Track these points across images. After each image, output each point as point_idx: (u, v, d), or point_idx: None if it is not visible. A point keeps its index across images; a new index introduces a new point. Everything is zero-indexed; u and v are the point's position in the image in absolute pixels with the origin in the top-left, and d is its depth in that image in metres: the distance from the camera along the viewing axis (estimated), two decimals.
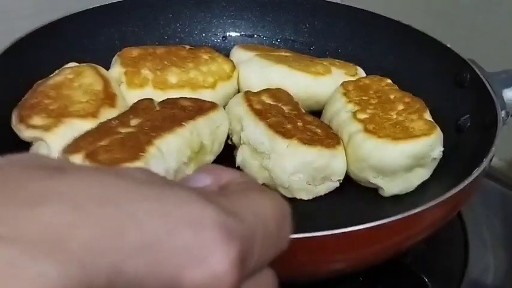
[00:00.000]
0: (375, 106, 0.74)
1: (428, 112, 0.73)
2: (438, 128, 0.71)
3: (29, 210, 0.24)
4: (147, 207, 0.26)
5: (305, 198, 0.69)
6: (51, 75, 0.75)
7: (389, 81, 0.79)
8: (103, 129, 0.65)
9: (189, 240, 0.26)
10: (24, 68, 0.76)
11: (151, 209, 0.26)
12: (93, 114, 0.69)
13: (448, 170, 0.71)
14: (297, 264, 0.55)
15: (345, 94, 0.76)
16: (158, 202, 0.26)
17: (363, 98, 0.75)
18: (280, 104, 0.74)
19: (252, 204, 0.30)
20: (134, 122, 0.67)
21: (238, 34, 0.95)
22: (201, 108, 0.71)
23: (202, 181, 0.32)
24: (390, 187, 0.70)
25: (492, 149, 0.64)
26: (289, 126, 0.70)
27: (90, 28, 0.86)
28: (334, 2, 0.94)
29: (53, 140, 0.65)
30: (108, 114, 0.69)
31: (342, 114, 0.74)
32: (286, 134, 0.68)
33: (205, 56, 0.82)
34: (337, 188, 0.71)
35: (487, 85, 0.73)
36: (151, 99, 0.72)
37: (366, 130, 0.70)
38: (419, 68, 0.84)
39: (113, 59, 0.80)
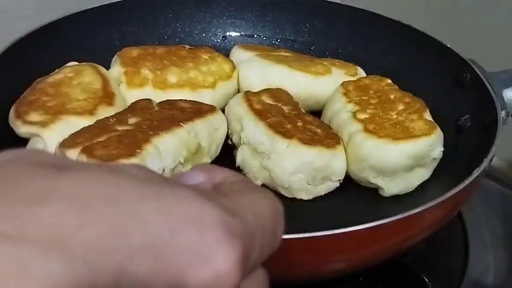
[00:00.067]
0: (375, 106, 0.74)
1: (428, 112, 0.73)
2: (438, 128, 0.70)
3: (32, 209, 0.23)
4: (149, 206, 0.26)
5: (305, 198, 0.69)
6: (51, 74, 0.75)
7: (389, 81, 0.79)
8: (100, 126, 0.65)
9: (192, 239, 0.26)
10: (24, 68, 0.76)
11: (152, 207, 0.26)
12: (91, 112, 0.69)
13: (448, 170, 0.71)
14: (297, 264, 0.55)
15: (345, 94, 0.76)
16: (158, 200, 0.26)
17: (363, 98, 0.75)
18: (280, 104, 0.74)
19: (251, 204, 0.30)
20: (132, 120, 0.67)
21: (238, 34, 0.95)
22: (200, 110, 0.71)
23: (195, 178, 0.32)
24: (390, 187, 0.70)
25: (492, 149, 0.64)
26: (289, 126, 0.70)
27: (90, 28, 0.86)
28: (334, 2, 0.94)
29: (49, 136, 0.65)
30: (105, 112, 0.69)
31: (342, 114, 0.74)
32: (286, 134, 0.68)
33: (205, 56, 0.82)
34: (337, 188, 0.71)
35: (487, 85, 0.73)
36: (149, 100, 0.72)
37: (366, 130, 0.70)
38: (420, 68, 0.84)
39: (113, 59, 0.80)
